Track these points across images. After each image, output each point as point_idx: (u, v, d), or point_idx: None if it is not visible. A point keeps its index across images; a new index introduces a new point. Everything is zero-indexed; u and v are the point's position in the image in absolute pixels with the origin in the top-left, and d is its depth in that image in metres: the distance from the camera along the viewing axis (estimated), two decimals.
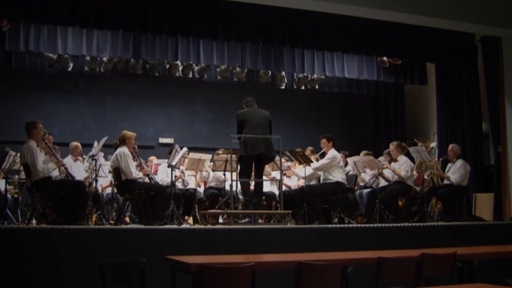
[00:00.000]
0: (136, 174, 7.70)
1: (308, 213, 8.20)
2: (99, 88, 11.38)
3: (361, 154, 9.33)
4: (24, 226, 6.98)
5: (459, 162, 8.94)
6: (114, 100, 11.60)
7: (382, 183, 8.92)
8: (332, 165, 8.47)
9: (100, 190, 8.67)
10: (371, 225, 7.88)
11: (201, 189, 9.25)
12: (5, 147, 8.26)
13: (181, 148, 8.33)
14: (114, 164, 7.57)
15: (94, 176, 7.91)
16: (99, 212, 7.81)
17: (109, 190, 8.93)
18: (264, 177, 8.31)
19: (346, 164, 9.35)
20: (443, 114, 11.09)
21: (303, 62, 10.72)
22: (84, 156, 8.60)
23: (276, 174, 9.06)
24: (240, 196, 8.38)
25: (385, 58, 10.82)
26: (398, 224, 7.85)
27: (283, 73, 11.43)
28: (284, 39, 9.29)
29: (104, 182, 8.96)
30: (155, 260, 4.72)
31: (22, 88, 10.75)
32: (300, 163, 8.76)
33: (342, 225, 7.81)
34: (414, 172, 9.16)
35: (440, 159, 9.52)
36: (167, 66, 10.75)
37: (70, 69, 10.27)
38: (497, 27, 9.56)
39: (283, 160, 8.97)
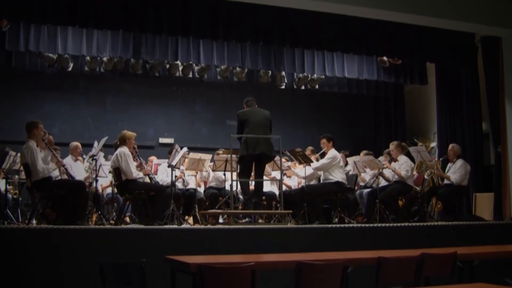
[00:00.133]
0: (136, 174, 7.71)
1: (308, 213, 8.20)
2: (99, 88, 11.39)
3: (361, 154, 9.33)
4: (24, 226, 6.99)
5: (459, 162, 8.94)
6: (114, 100, 11.60)
7: (382, 183, 8.92)
8: (332, 165, 8.47)
9: (100, 190, 8.68)
10: (371, 225, 7.88)
11: (201, 189, 9.25)
12: (5, 147, 8.26)
13: (181, 148, 8.33)
14: (114, 164, 7.57)
15: (94, 176, 7.91)
16: (99, 212, 7.82)
17: (109, 190, 8.94)
18: (264, 177, 8.31)
19: (346, 164, 9.36)
20: (443, 114, 11.09)
21: (303, 62, 10.72)
22: (84, 156, 8.60)
23: (276, 174, 9.06)
24: (240, 196, 8.38)
25: (385, 58, 10.82)
26: (398, 224, 7.85)
27: (283, 73, 11.43)
28: (284, 39, 9.29)
29: (104, 182, 8.96)
30: (155, 260, 4.72)
31: (22, 88, 10.75)
32: (300, 163, 8.76)
33: (342, 225, 7.81)
34: (414, 172, 9.17)
35: (440, 159, 9.52)
36: (167, 66, 10.75)
37: (70, 69, 10.27)
38: (497, 27, 9.56)
39: (283, 160, 8.98)
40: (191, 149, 9.04)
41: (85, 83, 11.26)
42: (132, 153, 7.69)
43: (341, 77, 11.29)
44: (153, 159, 9.58)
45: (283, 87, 11.72)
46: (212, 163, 8.75)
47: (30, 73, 10.37)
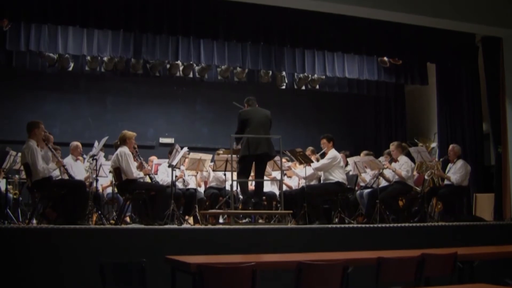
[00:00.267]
0: (137, 174, 7.71)
1: (309, 213, 8.20)
2: (99, 88, 11.38)
3: (362, 154, 9.33)
4: (24, 226, 6.99)
5: (460, 162, 8.94)
6: (114, 100, 11.60)
7: (383, 183, 8.92)
8: (333, 165, 8.47)
9: (100, 190, 8.68)
10: (371, 225, 7.88)
11: (201, 189, 9.25)
12: (6, 147, 8.26)
13: (182, 148, 8.33)
14: (115, 164, 7.57)
15: (94, 176, 7.92)
16: (99, 212, 7.81)
17: (109, 190, 8.94)
18: (264, 177, 8.31)
19: (346, 164, 9.36)
20: (443, 114, 11.08)
21: (304, 62, 10.72)
22: (85, 156, 8.60)
23: (276, 174, 9.06)
24: (240, 196, 8.38)
25: (385, 58, 10.81)
26: (399, 224, 7.85)
27: (284, 73, 11.42)
28: (284, 39, 9.30)
29: (105, 182, 8.96)
30: (156, 260, 4.72)
31: (22, 88, 10.75)
32: (300, 163, 8.75)
33: (342, 225, 7.81)
34: (415, 172, 9.17)
35: (441, 159, 9.52)
36: (168, 66, 10.74)
37: (70, 69, 10.26)
38: (498, 27, 9.56)
39: (284, 160, 8.97)
40: (192, 149, 9.04)
41: (86, 83, 11.26)
42: (132, 153, 7.69)
43: (341, 77, 11.29)
44: (154, 159, 9.58)
45: (284, 87, 11.72)
46: (212, 163, 8.75)
47: (31, 73, 10.37)
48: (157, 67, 10.63)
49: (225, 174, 8.71)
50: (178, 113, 12.09)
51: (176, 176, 8.38)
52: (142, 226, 7.30)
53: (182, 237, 6.48)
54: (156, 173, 8.87)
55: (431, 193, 9.07)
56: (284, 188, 8.83)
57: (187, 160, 8.46)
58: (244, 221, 8.45)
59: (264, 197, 8.63)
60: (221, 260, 4.30)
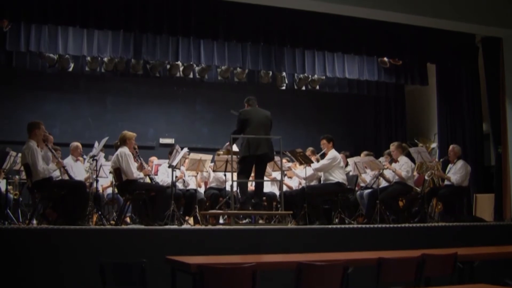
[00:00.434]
0: (137, 174, 7.71)
1: (309, 213, 8.20)
2: (99, 88, 11.38)
3: (362, 154, 9.33)
4: (24, 226, 6.99)
5: (460, 163, 8.94)
6: (114, 100, 11.59)
7: (383, 183, 8.92)
8: (333, 165, 8.47)
9: (100, 191, 8.68)
10: (371, 225, 7.88)
11: (201, 190, 9.25)
12: (6, 147, 8.26)
13: (182, 148, 8.32)
14: (115, 164, 7.57)
15: (94, 176, 7.92)
16: (99, 213, 7.81)
17: (109, 190, 8.94)
18: (265, 178, 8.30)
19: (346, 164, 9.36)
20: (443, 114, 11.08)
21: (304, 62, 10.73)
22: (85, 156, 8.60)
23: (276, 175, 9.06)
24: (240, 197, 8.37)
25: (385, 59, 10.82)
26: (399, 225, 7.85)
27: (284, 73, 11.42)
28: (284, 39, 9.30)
29: (105, 183, 8.96)
30: (156, 261, 4.72)
31: (22, 88, 10.75)
32: (300, 163, 8.76)
33: (342, 226, 7.81)
34: (415, 173, 9.16)
35: (441, 160, 9.52)
36: (168, 66, 10.75)
37: (70, 69, 10.26)
38: (498, 27, 9.56)
39: (284, 160, 8.97)
40: (192, 150, 9.03)
41: (86, 83, 11.25)
42: (132, 154, 7.69)
43: (341, 78, 11.29)
44: (154, 159, 9.58)
45: (284, 87, 11.72)
46: (212, 164, 8.75)
47: (31, 73, 10.37)
48: (157, 67, 10.63)
49: (225, 175, 8.71)
50: (178, 114, 12.09)
51: (176, 177, 8.38)
52: (142, 226, 7.29)
53: (182, 237, 6.48)
54: (156, 173, 8.87)
55: (431, 193, 9.07)
56: (285, 188, 8.82)
57: (187, 160, 8.46)
58: (244, 221, 8.46)
59: (264, 198, 8.63)
60: (221, 261, 4.30)
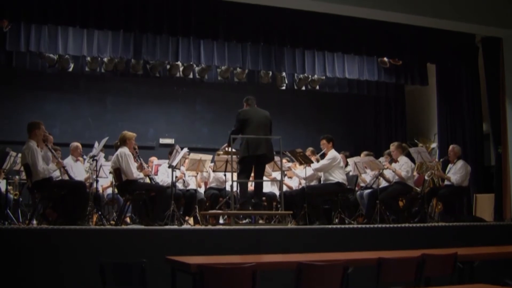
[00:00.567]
0: (137, 174, 7.71)
1: (309, 213, 8.20)
2: (99, 88, 11.38)
3: (362, 154, 9.33)
4: (24, 227, 6.99)
5: (460, 163, 8.94)
6: (114, 100, 11.59)
7: (383, 183, 8.92)
8: (332, 165, 8.47)
9: (100, 191, 8.68)
10: (371, 225, 7.88)
11: (201, 190, 9.25)
12: (6, 147, 8.26)
13: (182, 148, 8.32)
14: (115, 164, 7.57)
15: (94, 176, 7.92)
16: (99, 213, 7.81)
17: (109, 190, 8.94)
18: (265, 178, 8.30)
19: (346, 164, 9.36)
20: (443, 114, 11.08)
21: (304, 62, 10.73)
22: (85, 156, 8.60)
23: (276, 175, 9.05)
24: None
25: (385, 59, 10.82)
26: (399, 225, 7.85)
27: (284, 73, 11.42)
28: (284, 39, 9.30)
29: (105, 183, 8.95)
30: (156, 261, 4.72)
31: (22, 88, 10.75)
32: (300, 163, 8.76)
33: (342, 226, 7.81)
34: (415, 173, 9.16)
35: (441, 160, 9.52)
36: (168, 66, 10.75)
37: (70, 69, 10.27)
38: (498, 27, 9.56)
39: (284, 160, 8.97)
40: (192, 150, 9.03)
41: (86, 83, 11.25)
42: (132, 154, 7.69)
43: (341, 78, 11.29)
44: (154, 159, 9.58)
45: (284, 87, 11.72)
46: (212, 164, 8.75)
47: (31, 73, 10.37)
48: (157, 67, 10.63)
49: (225, 175, 8.71)
50: (178, 114, 12.09)
51: (176, 177, 8.38)
52: (142, 226, 7.29)
53: (182, 237, 6.47)
54: (156, 173, 8.87)
55: (431, 193, 9.07)
56: (285, 188, 8.82)
57: (187, 160, 8.46)
58: (244, 221, 8.45)
59: (264, 198, 8.63)
60: (221, 261, 4.30)
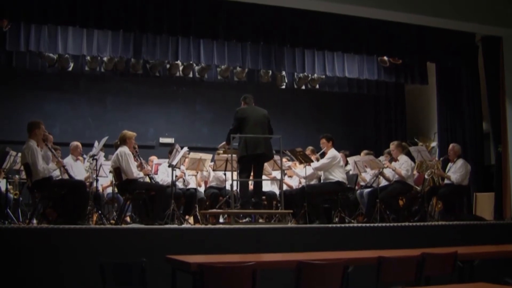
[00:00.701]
0: (137, 173, 7.71)
1: (309, 212, 8.20)
2: (99, 88, 11.39)
3: (362, 153, 9.33)
4: (24, 226, 6.99)
5: (460, 162, 8.94)
6: (114, 100, 11.60)
7: (383, 182, 8.92)
8: (332, 164, 8.47)
9: (100, 190, 8.68)
10: (371, 224, 7.88)
11: (201, 189, 9.25)
12: (6, 147, 8.26)
13: (182, 148, 8.33)
14: (115, 163, 7.57)
15: (94, 176, 7.92)
16: (99, 212, 7.81)
17: (109, 190, 8.94)
18: (265, 177, 8.30)
19: (346, 163, 9.36)
20: (443, 113, 11.08)
21: (304, 61, 10.73)
22: (85, 156, 8.61)
23: (276, 174, 9.06)
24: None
25: (385, 58, 10.82)
26: (399, 224, 7.84)
27: (284, 72, 11.43)
28: (284, 38, 9.30)
29: (105, 182, 8.96)
30: (156, 260, 4.72)
31: (22, 88, 10.75)
32: (300, 162, 8.76)
33: (342, 225, 7.81)
34: (415, 172, 9.17)
35: (441, 159, 9.52)
36: (168, 66, 10.75)
37: (70, 69, 10.27)
38: (498, 26, 9.56)
39: (284, 159, 8.97)
40: (192, 149, 9.04)
41: (86, 83, 11.26)
42: (132, 153, 7.70)
43: (341, 77, 11.29)
44: (154, 159, 9.58)
45: (284, 86, 11.72)
46: (212, 163, 8.75)
47: (31, 73, 10.38)
48: (157, 67, 10.63)
49: (225, 174, 8.71)
50: (178, 113, 12.10)
51: (176, 176, 8.38)
52: (142, 226, 7.29)
53: (183, 237, 6.47)
54: (156, 173, 8.87)
55: (431, 192, 9.07)
56: (285, 187, 8.82)
57: (187, 160, 8.46)
58: (244, 220, 8.46)
59: (264, 197, 8.63)
60: (221, 260, 4.29)
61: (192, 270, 3.87)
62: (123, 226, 7.42)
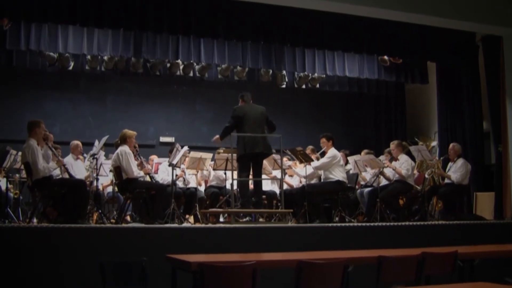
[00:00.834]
0: (137, 173, 7.71)
1: (309, 212, 8.20)
2: (99, 87, 11.39)
3: (362, 153, 9.33)
4: (25, 225, 6.99)
5: (460, 161, 8.94)
6: (114, 99, 11.60)
7: (383, 182, 8.92)
8: (332, 164, 8.46)
9: (101, 189, 8.68)
10: (372, 224, 7.87)
11: (202, 188, 9.26)
12: (6, 146, 8.26)
13: (182, 147, 8.33)
14: (115, 163, 7.57)
15: (95, 175, 7.92)
16: (100, 211, 7.81)
17: (110, 189, 8.94)
18: (265, 176, 8.30)
19: (346, 163, 9.36)
20: (444, 113, 11.08)
21: (304, 61, 10.72)
22: (85, 155, 8.61)
23: (277, 173, 9.06)
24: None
25: (386, 57, 10.81)
26: (399, 223, 7.85)
27: (284, 72, 11.42)
28: (284, 38, 9.30)
29: (105, 181, 8.96)
30: (156, 259, 4.72)
31: (23, 87, 10.75)
32: (301, 162, 8.76)
33: (343, 224, 7.80)
34: (415, 171, 9.16)
35: (441, 158, 9.52)
36: (168, 65, 10.75)
37: (70, 68, 10.28)
38: (498, 26, 9.56)
39: (284, 159, 8.97)
40: (192, 148, 9.04)
41: (86, 82, 11.26)
42: (133, 152, 7.69)
43: (341, 76, 11.29)
44: (154, 158, 9.59)
45: (284, 86, 11.72)
46: (212, 162, 8.75)
47: (31, 72, 10.38)
48: (157, 66, 10.63)
49: (225, 173, 8.71)
50: (178, 112, 12.10)
51: (176, 175, 8.38)
52: (143, 225, 7.29)
53: (183, 236, 6.47)
54: (156, 172, 8.88)
55: (432, 191, 9.07)
56: (285, 186, 8.83)
57: (187, 159, 8.47)
58: (244, 220, 8.46)
59: (264, 196, 8.63)
60: (221, 259, 4.30)
61: (193, 269, 3.87)
62: (123, 225, 7.42)
